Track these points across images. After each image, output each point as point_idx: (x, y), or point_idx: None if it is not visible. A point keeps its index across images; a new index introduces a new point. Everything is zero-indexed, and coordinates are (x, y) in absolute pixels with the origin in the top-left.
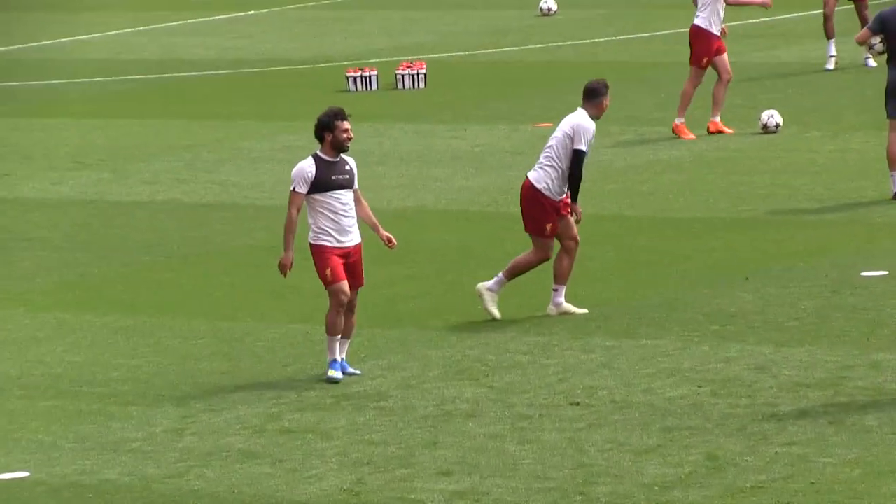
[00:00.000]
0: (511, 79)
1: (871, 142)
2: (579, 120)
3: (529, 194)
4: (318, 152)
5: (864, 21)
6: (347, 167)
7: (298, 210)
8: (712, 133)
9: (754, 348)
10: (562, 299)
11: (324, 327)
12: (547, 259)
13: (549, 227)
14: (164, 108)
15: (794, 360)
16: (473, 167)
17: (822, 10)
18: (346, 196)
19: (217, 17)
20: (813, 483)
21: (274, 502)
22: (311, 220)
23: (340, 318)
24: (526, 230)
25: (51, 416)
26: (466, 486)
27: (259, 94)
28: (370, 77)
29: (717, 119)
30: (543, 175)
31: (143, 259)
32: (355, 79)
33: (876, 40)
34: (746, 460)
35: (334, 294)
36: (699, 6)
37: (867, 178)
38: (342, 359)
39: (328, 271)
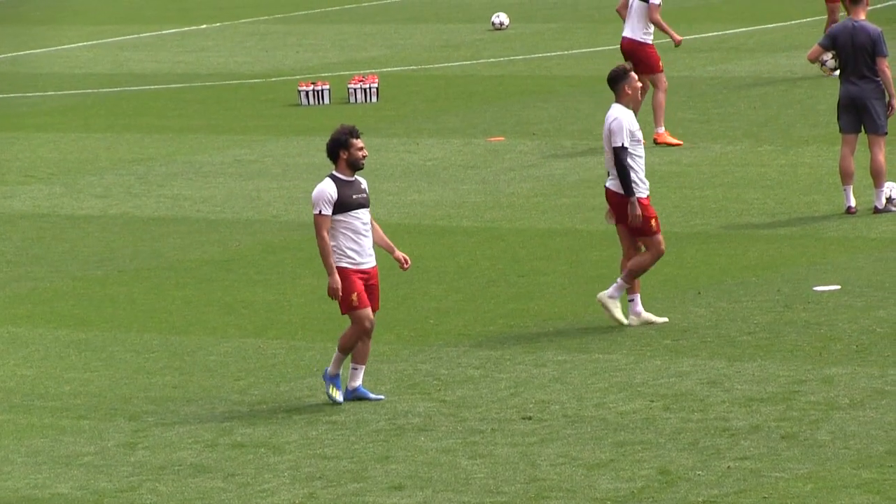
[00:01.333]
0: (463, 93)
1: (824, 156)
2: (611, 117)
3: (617, 200)
4: (335, 172)
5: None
6: (363, 186)
7: (328, 233)
8: (660, 144)
9: (707, 363)
10: (640, 308)
11: (337, 344)
12: (662, 254)
13: (653, 222)
14: (116, 121)
15: (747, 375)
16: (426, 181)
17: (778, 24)
18: (366, 216)
19: (169, 32)
20: (765, 498)
21: None
22: (331, 242)
23: (359, 344)
24: (634, 236)
25: (2, 431)
26: (419, 500)
27: (211, 107)
28: (322, 91)
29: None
30: (616, 182)
31: (96, 273)
32: (307, 93)
33: (827, 56)
34: (699, 475)
35: (359, 320)
36: (628, 20)
37: (819, 193)
38: (359, 385)
39: (354, 296)
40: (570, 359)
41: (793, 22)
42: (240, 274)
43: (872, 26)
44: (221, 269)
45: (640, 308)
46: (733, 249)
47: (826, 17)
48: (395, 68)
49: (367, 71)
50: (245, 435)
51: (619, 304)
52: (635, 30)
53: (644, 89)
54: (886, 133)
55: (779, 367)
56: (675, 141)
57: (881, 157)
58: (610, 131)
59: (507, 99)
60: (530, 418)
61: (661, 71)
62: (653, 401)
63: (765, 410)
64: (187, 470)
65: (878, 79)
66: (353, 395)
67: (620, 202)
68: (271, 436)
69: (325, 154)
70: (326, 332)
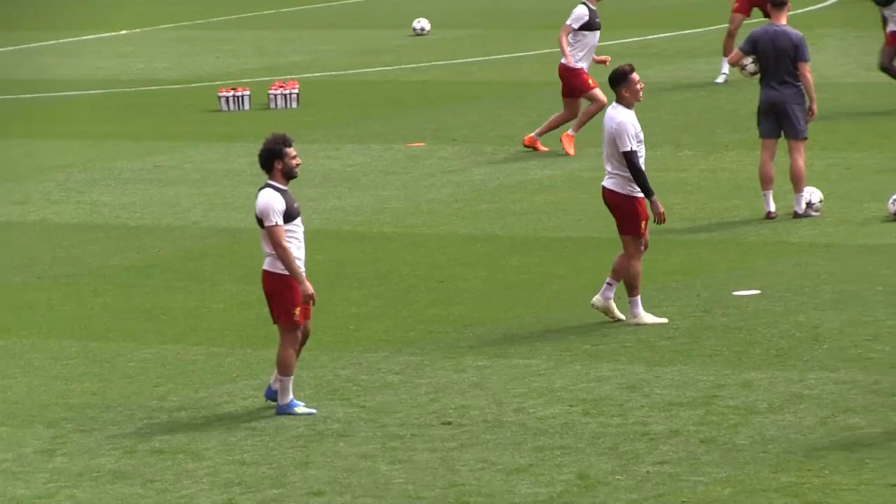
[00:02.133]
0: (384, 98)
1: (744, 161)
2: (615, 120)
3: (615, 200)
4: (271, 182)
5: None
6: (293, 195)
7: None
8: (527, 146)
9: (626, 367)
10: (611, 294)
11: (277, 370)
12: (640, 254)
13: (643, 223)
14: (35, 128)
15: (666, 380)
16: (346, 187)
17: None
18: (302, 224)
19: (88, 37)
20: (684, 502)
21: None
22: (270, 251)
23: (297, 357)
24: (620, 233)
25: None
26: None
27: (131, 114)
28: (242, 97)
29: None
30: (613, 181)
31: (14, 280)
32: (227, 98)
33: (748, 61)
34: (618, 479)
35: (294, 333)
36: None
37: (739, 198)
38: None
39: (298, 311)
40: (489, 364)
41: (712, 28)
42: (159, 280)
43: (794, 31)
44: (141, 276)
45: (610, 294)
46: (653, 254)
47: (728, 25)
48: (316, 74)
49: (288, 77)
50: (164, 441)
51: (647, 314)
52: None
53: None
54: (806, 138)
55: (698, 372)
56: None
57: (801, 163)
58: (616, 134)
59: (428, 105)
60: (450, 423)
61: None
62: (572, 406)
63: (684, 415)
64: (106, 476)
65: (799, 83)
66: (274, 397)
67: (619, 202)
68: (190, 442)
69: (244, 160)
70: (246, 339)
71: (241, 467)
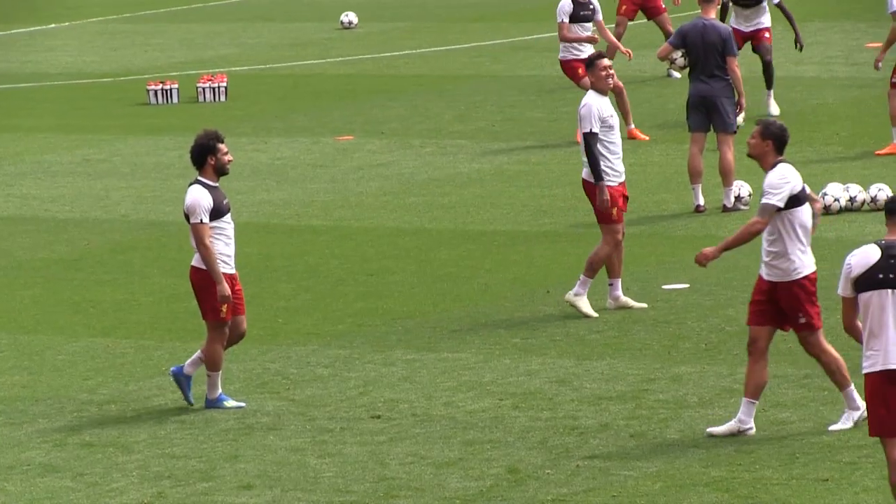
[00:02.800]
0: (312, 91)
1: (672, 155)
2: (582, 104)
3: (591, 189)
4: (202, 178)
5: (667, 35)
6: (223, 191)
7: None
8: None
9: (556, 361)
10: (619, 292)
11: (206, 365)
12: (618, 243)
13: (615, 211)
14: None
15: (596, 373)
16: (275, 180)
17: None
18: (232, 221)
19: (16, 31)
20: (615, 496)
21: None
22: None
23: (223, 352)
24: (599, 222)
25: None
26: (268, 499)
27: (60, 107)
28: (171, 90)
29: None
30: (586, 170)
31: None
32: (156, 92)
33: (677, 55)
34: (548, 473)
35: (221, 330)
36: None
37: (668, 192)
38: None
39: (225, 308)
40: (419, 357)
41: (640, 21)
42: (88, 273)
43: (723, 25)
44: (70, 269)
45: (618, 292)
46: (582, 248)
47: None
48: (244, 67)
49: (216, 70)
50: (94, 434)
51: (586, 301)
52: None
53: None
54: (735, 132)
55: (628, 366)
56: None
57: (730, 156)
58: (581, 117)
59: (356, 98)
60: (379, 417)
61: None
62: (502, 399)
63: (614, 409)
64: (36, 469)
65: (728, 77)
66: (179, 375)
67: (592, 192)
68: (120, 435)
69: (173, 153)
70: (175, 332)
71: (171, 461)
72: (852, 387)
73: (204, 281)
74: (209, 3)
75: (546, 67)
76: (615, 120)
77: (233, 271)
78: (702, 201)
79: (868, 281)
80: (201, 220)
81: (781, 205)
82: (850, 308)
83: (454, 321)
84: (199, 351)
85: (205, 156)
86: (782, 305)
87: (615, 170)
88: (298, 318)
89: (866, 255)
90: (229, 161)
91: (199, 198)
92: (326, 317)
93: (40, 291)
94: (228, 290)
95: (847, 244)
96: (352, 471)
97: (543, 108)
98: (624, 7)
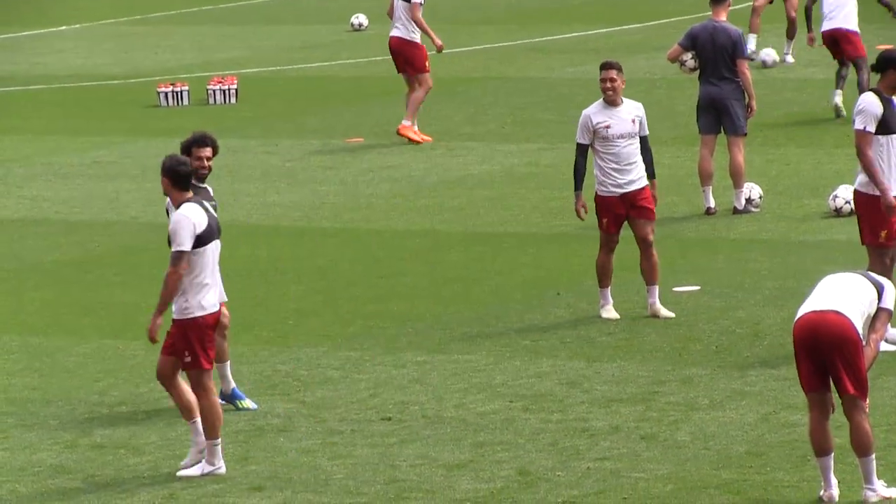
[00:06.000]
0: (322, 94)
1: (683, 157)
2: (582, 114)
3: (597, 200)
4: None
5: (790, 19)
6: (211, 193)
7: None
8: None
9: (566, 363)
10: (653, 300)
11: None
12: (611, 252)
13: (604, 221)
14: None
15: (606, 375)
16: (285, 182)
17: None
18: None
19: (27, 33)
20: (625, 498)
21: None
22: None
23: (225, 343)
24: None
25: None
26: (278, 501)
27: (70, 109)
28: (181, 92)
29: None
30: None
31: None
32: (167, 94)
33: (687, 57)
34: (558, 475)
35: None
36: (395, 19)
37: (679, 194)
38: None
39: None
40: (429, 360)
41: (651, 23)
42: (98, 275)
43: (734, 28)
44: (80, 271)
45: (652, 300)
46: (592, 250)
47: None
48: (254, 69)
49: (226, 72)
50: (104, 436)
51: (609, 308)
52: (403, 29)
53: (412, 88)
54: (746, 134)
55: (638, 368)
56: (418, 138)
57: (740, 158)
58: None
59: (366, 100)
60: (390, 419)
61: (428, 71)
62: (512, 401)
63: (624, 411)
64: (47, 471)
65: (738, 80)
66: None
67: (599, 202)
68: (131, 437)
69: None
70: None
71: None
72: None
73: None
74: (219, 5)
75: (557, 70)
76: (612, 131)
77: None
78: (712, 203)
79: None
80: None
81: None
82: None
83: (464, 323)
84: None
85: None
86: None
87: (609, 177)
88: (309, 321)
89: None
90: (201, 167)
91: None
92: (337, 319)
93: (50, 293)
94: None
95: (858, 246)
96: (362, 472)
97: (553, 111)
98: None
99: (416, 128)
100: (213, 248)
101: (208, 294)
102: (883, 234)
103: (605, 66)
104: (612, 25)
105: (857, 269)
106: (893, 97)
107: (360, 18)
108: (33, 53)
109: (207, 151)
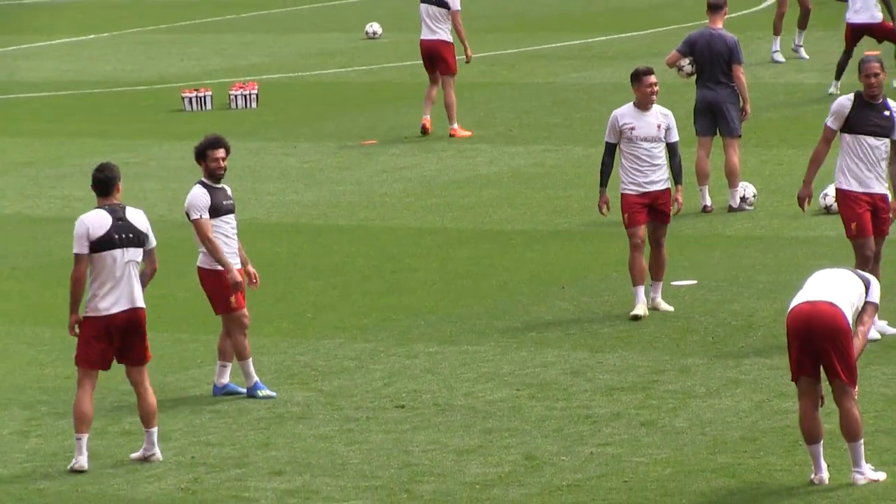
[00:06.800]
0: (338, 98)
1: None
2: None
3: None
4: (203, 179)
5: (805, 14)
6: (229, 192)
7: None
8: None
9: (570, 354)
10: (655, 294)
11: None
12: (636, 247)
13: (625, 216)
14: (7, 127)
15: (608, 365)
16: (303, 182)
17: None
18: (234, 221)
19: (57, 42)
20: (626, 481)
21: (115, 500)
22: (201, 246)
23: (246, 340)
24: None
25: None
26: (297, 484)
27: (98, 114)
28: (205, 97)
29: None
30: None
31: None
32: (191, 99)
33: (685, 62)
34: (563, 460)
35: (238, 319)
36: (428, 24)
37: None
38: (227, 382)
39: (234, 298)
40: (440, 350)
41: (650, 31)
42: None
43: (729, 35)
44: None
45: (654, 295)
46: (595, 246)
47: None
48: (274, 76)
49: (248, 78)
50: (133, 423)
51: (642, 303)
52: (442, 32)
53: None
54: (740, 136)
55: (638, 358)
56: (467, 133)
57: (735, 159)
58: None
59: (380, 104)
60: (403, 407)
61: (456, 73)
62: (519, 390)
63: (625, 399)
64: None
65: (734, 84)
66: (224, 392)
67: (622, 199)
68: (158, 424)
69: None
70: (209, 326)
71: (206, 448)
72: None
73: (209, 277)
74: (241, 14)
75: (561, 75)
76: (636, 133)
77: (237, 267)
78: (709, 202)
79: None
80: (200, 216)
81: None
82: None
83: (474, 316)
84: (218, 362)
85: (198, 160)
86: None
87: (631, 177)
88: (326, 314)
89: None
90: (217, 168)
91: (195, 195)
92: (353, 312)
93: None
94: (239, 277)
95: (846, 242)
96: (377, 457)
97: (558, 114)
98: None
99: (455, 126)
100: (117, 256)
101: (105, 300)
102: (853, 225)
103: (647, 72)
104: (613, 33)
105: (845, 265)
106: (877, 100)
107: (375, 27)
108: (64, 61)
109: (221, 153)
